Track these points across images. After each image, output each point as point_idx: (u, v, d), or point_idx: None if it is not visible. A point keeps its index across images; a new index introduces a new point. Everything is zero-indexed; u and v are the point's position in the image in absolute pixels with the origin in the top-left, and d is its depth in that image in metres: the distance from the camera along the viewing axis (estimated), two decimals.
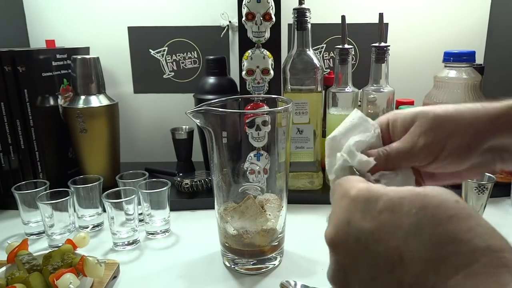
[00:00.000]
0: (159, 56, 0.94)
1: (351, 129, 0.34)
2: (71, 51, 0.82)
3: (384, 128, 0.34)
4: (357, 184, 0.26)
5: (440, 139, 0.31)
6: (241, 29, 0.67)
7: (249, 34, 0.62)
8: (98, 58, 0.79)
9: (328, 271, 0.25)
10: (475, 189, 0.61)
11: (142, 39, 0.93)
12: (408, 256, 0.21)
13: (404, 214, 0.22)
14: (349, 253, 0.23)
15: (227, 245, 0.55)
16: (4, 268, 0.49)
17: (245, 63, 0.62)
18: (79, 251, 0.53)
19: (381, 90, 0.73)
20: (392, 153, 0.32)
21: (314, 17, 0.71)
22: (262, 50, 0.62)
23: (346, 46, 0.72)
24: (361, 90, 0.75)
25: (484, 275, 0.19)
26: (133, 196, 0.60)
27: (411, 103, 0.78)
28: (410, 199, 0.22)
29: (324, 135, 0.77)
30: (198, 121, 0.50)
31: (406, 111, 0.33)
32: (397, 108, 0.76)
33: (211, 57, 0.80)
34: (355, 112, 0.35)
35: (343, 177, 0.28)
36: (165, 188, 0.62)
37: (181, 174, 0.81)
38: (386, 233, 0.22)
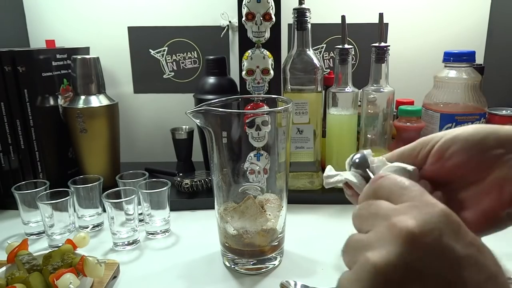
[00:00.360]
0: (159, 56, 0.94)
1: None
2: (71, 51, 0.82)
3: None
4: (438, 202, 0.24)
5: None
6: (241, 29, 0.67)
7: (249, 34, 0.62)
8: (98, 58, 0.79)
9: (379, 263, 0.22)
10: None
11: (142, 39, 0.93)
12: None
13: (488, 259, 0.23)
14: (425, 259, 0.22)
15: (227, 245, 0.55)
16: (4, 268, 0.49)
17: (245, 63, 0.62)
18: (79, 251, 0.53)
19: (381, 90, 0.73)
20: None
21: (314, 17, 0.71)
22: (262, 50, 0.62)
23: (346, 46, 0.72)
24: (361, 90, 0.75)
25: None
26: (133, 196, 0.60)
27: (411, 103, 0.78)
28: (490, 250, 0.24)
29: (324, 135, 0.77)
30: (198, 121, 0.50)
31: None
32: (397, 108, 0.76)
33: (211, 57, 0.80)
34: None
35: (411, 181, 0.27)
36: (165, 188, 0.62)
37: (181, 174, 0.81)
38: (473, 266, 0.22)
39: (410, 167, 0.31)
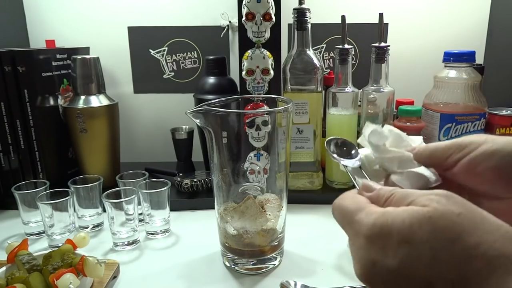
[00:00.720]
0: (159, 56, 0.94)
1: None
2: (71, 51, 0.82)
3: None
4: (366, 219, 0.25)
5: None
6: (241, 29, 0.67)
7: (249, 34, 0.62)
8: (98, 58, 0.79)
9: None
10: None
11: (142, 39, 0.93)
12: (435, 282, 0.22)
13: (419, 242, 0.22)
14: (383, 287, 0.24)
15: (227, 245, 0.55)
16: (4, 268, 0.49)
17: (245, 63, 0.62)
18: (79, 251, 0.53)
19: (381, 90, 0.73)
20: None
21: (314, 17, 0.71)
22: (262, 50, 0.62)
23: (346, 46, 0.72)
24: (361, 90, 0.75)
25: (503, 285, 0.20)
26: (133, 196, 0.60)
27: (411, 103, 0.78)
28: (418, 225, 0.23)
29: (324, 135, 0.77)
30: (198, 121, 0.50)
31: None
32: (397, 108, 0.76)
33: (211, 57, 0.80)
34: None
35: (343, 206, 0.28)
36: (165, 188, 0.62)
37: (181, 174, 0.81)
38: (410, 265, 0.23)
39: (432, 178, 0.31)
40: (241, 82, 0.74)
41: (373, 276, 0.24)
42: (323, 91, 0.75)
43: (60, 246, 0.53)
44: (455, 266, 0.21)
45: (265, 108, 0.57)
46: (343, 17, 0.72)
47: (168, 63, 0.95)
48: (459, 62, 0.71)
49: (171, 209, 0.65)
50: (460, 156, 0.30)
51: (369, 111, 0.74)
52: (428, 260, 0.22)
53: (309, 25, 0.70)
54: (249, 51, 0.62)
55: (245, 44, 0.66)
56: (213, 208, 0.56)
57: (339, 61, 0.73)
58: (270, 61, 0.63)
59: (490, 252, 0.21)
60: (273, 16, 0.61)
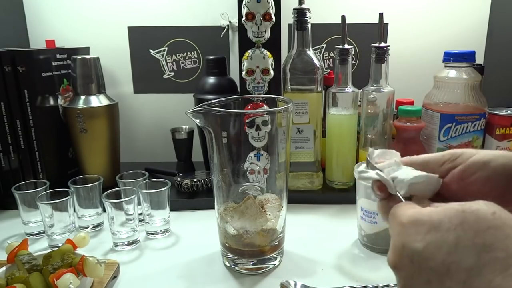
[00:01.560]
0: (159, 56, 0.94)
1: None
2: (71, 51, 0.82)
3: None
4: (407, 211, 0.28)
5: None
6: (241, 29, 0.67)
7: (249, 34, 0.62)
8: (98, 58, 0.79)
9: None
10: None
11: (142, 39, 0.93)
12: (453, 267, 0.23)
13: (446, 231, 0.24)
14: (407, 272, 0.26)
15: (227, 245, 0.55)
16: (4, 268, 0.49)
17: (245, 63, 0.62)
18: (79, 251, 0.53)
19: (381, 90, 0.73)
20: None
21: (314, 17, 0.71)
22: (262, 50, 0.62)
23: (346, 46, 0.72)
24: (361, 90, 0.75)
25: None
26: (133, 196, 0.60)
27: (411, 103, 0.78)
28: (449, 217, 0.25)
29: (324, 135, 0.77)
30: (198, 121, 0.50)
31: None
32: (397, 108, 0.76)
33: (211, 57, 0.80)
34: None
35: (396, 207, 0.30)
36: (165, 188, 0.62)
37: (181, 174, 0.81)
38: (433, 250, 0.24)
39: (438, 179, 0.31)
40: (241, 82, 0.74)
41: (400, 258, 0.26)
42: (323, 91, 0.75)
43: (60, 246, 0.53)
44: (474, 253, 0.23)
45: (265, 108, 0.57)
46: (343, 17, 0.72)
47: (168, 63, 0.95)
48: (459, 62, 0.71)
49: (171, 209, 0.65)
50: (453, 165, 0.31)
51: (369, 111, 0.74)
52: (450, 247, 0.23)
53: (309, 25, 0.70)
54: (249, 51, 0.62)
55: (245, 44, 0.66)
56: (213, 208, 0.56)
57: (339, 61, 0.73)
58: (270, 61, 0.62)
59: None
60: (273, 16, 0.61)
